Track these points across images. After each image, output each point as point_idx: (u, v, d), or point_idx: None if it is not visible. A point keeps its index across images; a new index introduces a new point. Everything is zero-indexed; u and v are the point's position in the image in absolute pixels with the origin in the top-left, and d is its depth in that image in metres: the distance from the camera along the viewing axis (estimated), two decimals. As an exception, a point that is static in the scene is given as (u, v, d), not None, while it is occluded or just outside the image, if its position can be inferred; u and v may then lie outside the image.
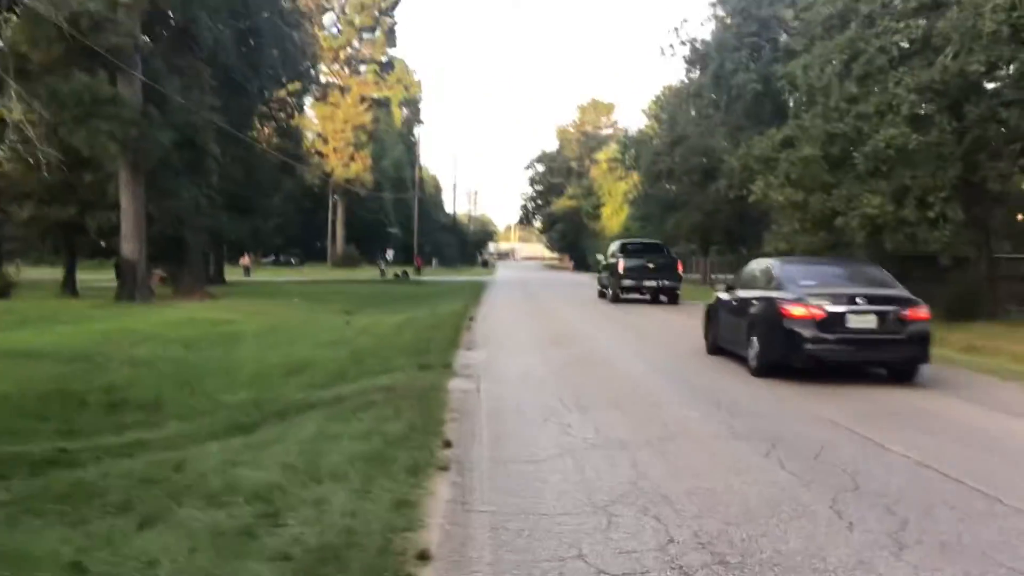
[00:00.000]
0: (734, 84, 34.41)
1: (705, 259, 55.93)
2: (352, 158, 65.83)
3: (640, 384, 10.66)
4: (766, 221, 53.16)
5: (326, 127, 65.88)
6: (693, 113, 42.75)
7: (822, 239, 18.37)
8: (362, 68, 69.55)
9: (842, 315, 10.41)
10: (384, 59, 71.51)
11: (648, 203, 58.97)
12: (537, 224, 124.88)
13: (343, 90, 66.84)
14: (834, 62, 19.00)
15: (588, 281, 42.50)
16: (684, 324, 18.39)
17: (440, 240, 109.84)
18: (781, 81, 23.20)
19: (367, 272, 60.35)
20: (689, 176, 38.72)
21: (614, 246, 30.20)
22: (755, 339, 11.31)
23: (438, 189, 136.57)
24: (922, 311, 10.72)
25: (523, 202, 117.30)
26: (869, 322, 10.52)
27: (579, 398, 9.13)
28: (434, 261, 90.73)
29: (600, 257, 35.49)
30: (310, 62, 45.55)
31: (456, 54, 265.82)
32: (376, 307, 26.47)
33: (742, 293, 12.54)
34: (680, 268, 28.24)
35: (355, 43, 68.89)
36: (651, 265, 27.28)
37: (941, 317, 20.44)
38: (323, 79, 63.95)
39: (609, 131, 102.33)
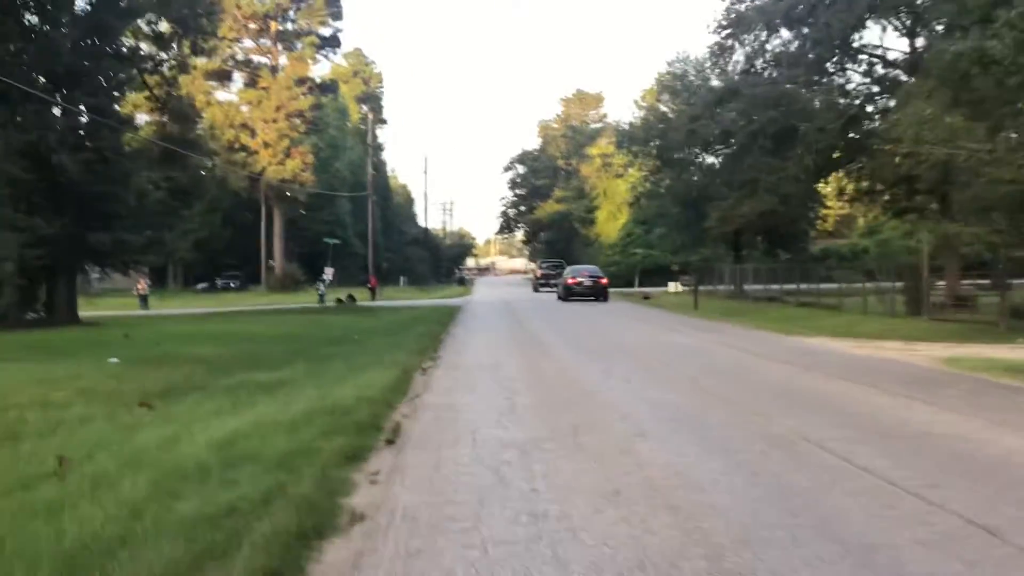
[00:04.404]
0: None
1: (737, 266, 43.45)
2: (288, 154, 51.99)
3: None
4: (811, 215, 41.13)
5: (254, 116, 52.24)
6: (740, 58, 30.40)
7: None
8: (299, 46, 55.80)
9: (581, 281, 39.06)
10: (327, 33, 57.94)
11: (661, 199, 47.41)
12: (520, 235, 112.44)
13: (274, 71, 53.54)
14: None
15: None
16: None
17: (410, 255, 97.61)
18: None
19: (308, 296, 47.41)
20: (755, 141, 25.29)
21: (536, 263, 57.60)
22: (560, 288, 40.66)
23: (409, 200, 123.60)
24: (605, 280, 39.76)
25: (503, 208, 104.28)
26: (588, 282, 38.81)
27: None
28: (401, 280, 77.78)
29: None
30: (203, 13, 32.67)
31: (423, 50, 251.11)
32: (249, 371, 13.41)
33: (562, 279, 41.53)
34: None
35: (291, 14, 55.28)
36: (552, 272, 53.19)
37: None
38: (250, 58, 50.97)
39: (598, 125, 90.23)
